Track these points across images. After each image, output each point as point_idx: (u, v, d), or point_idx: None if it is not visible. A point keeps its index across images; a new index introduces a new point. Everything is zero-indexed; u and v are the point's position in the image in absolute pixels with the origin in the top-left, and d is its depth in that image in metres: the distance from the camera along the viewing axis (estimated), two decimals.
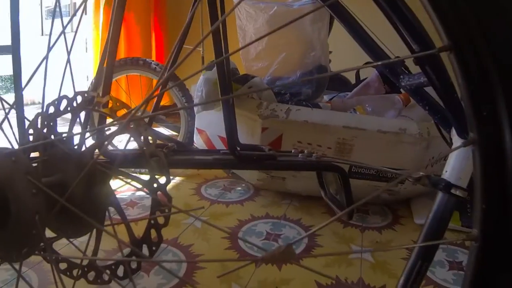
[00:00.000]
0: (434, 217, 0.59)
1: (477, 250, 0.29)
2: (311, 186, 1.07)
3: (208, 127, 1.47)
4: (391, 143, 1.24)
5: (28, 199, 0.32)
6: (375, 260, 1.10)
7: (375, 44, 0.70)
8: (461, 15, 0.29)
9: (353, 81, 1.90)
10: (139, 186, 0.40)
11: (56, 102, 0.44)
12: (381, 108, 1.39)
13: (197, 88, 1.29)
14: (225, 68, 0.66)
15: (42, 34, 3.32)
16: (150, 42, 2.73)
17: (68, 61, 0.48)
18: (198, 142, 1.54)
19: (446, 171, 0.59)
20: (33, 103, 3.15)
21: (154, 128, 2.05)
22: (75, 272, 0.42)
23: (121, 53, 2.51)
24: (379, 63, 0.63)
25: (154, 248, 0.42)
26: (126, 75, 1.80)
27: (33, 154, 0.45)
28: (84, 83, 2.50)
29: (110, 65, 0.50)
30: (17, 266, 0.40)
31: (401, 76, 0.69)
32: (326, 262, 1.08)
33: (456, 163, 0.58)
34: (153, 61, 1.69)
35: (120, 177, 0.39)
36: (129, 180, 0.40)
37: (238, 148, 0.63)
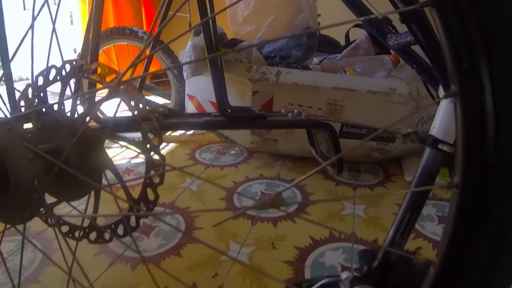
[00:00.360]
0: (422, 171, 0.61)
1: (458, 196, 0.31)
2: (303, 147, 1.09)
3: (198, 92, 1.48)
4: (381, 103, 1.25)
5: (26, 164, 0.33)
6: (367, 216, 1.14)
7: (362, 4, 0.70)
8: None
9: (342, 43, 1.88)
10: (134, 148, 0.41)
11: (45, 72, 0.45)
12: (371, 69, 1.40)
13: (186, 54, 1.28)
14: (212, 31, 0.66)
15: (24, 9, 3.23)
16: (140, 12, 2.67)
17: (54, 30, 0.48)
18: (190, 108, 1.54)
19: (434, 128, 0.61)
20: (21, 79, 3.10)
21: (145, 97, 2.05)
22: (77, 233, 0.44)
23: (111, 23, 2.47)
24: (362, 18, 0.64)
25: (151, 206, 0.44)
26: (114, 45, 1.78)
27: (26, 127, 0.46)
28: (71, 56, 2.46)
29: (96, 33, 0.50)
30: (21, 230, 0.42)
31: (389, 36, 0.69)
32: (320, 219, 1.12)
33: (443, 120, 0.60)
34: (140, 29, 1.67)
35: (114, 140, 0.40)
36: (122, 143, 0.42)
37: (229, 110, 0.64)
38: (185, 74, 1.29)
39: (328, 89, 1.25)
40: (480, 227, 0.31)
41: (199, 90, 1.47)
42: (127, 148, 0.40)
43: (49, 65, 0.46)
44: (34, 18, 0.41)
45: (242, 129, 1.14)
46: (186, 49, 1.30)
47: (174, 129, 0.91)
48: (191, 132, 1.83)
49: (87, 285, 0.40)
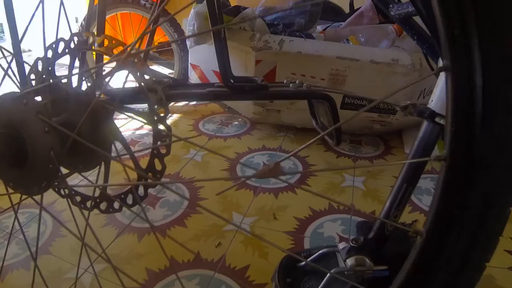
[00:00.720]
0: (419, 143, 0.62)
1: (445, 169, 0.32)
2: (305, 118, 1.10)
3: (202, 62, 1.47)
4: (383, 74, 1.25)
5: (42, 136, 0.34)
6: (366, 188, 1.16)
7: None
8: None
9: (347, 10, 1.86)
10: (141, 119, 0.43)
11: (53, 46, 0.45)
12: (375, 38, 1.39)
13: (189, 22, 1.27)
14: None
15: None
16: None
17: (62, 3, 0.48)
18: (193, 77, 1.54)
19: (432, 101, 0.62)
20: (23, 51, 3.07)
21: (149, 66, 2.04)
22: (88, 204, 0.46)
23: None
24: None
25: (158, 175, 0.46)
26: (117, 14, 1.76)
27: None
28: (73, 25, 2.43)
29: (102, 6, 0.50)
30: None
31: (391, 5, 0.69)
32: (320, 190, 1.15)
33: (441, 93, 0.60)
34: None
35: (123, 111, 0.41)
36: (130, 114, 0.43)
37: (232, 81, 0.65)
38: (188, 43, 1.29)
39: (331, 58, 1.24)
40: (466, 200, 0.32)
41: (202, 59, 1.46)
42: (135, 119, 0.42)
43: (58, 38, 0.46)
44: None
45: (245, 100, 1.14)
46: (189, 17, 1.29)
47: (179, 100, 0.91)
48: (194, 102, 1.84)
49: (99, 252, 0.42)
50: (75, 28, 2.10)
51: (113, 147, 0.47)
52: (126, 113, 0.41)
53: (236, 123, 1.64)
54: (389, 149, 1.43)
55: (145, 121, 0.42)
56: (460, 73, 0.30)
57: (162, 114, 0.43)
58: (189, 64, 1.54)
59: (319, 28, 1.57)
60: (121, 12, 1.74)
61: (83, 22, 1.77)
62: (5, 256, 0.85)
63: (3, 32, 3.22)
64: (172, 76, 1.71)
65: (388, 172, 1.26)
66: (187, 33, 1.27)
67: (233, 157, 1.34)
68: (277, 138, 1.49)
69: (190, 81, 1.56)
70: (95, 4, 0.59)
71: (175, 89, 0.66)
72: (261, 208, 1.06)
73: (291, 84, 0.59)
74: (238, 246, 0.92)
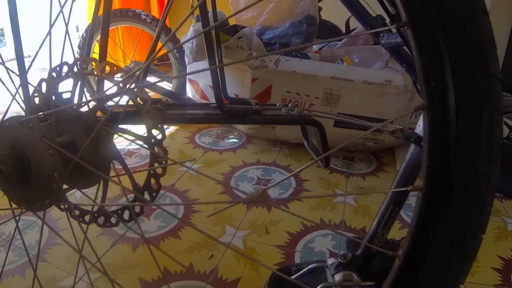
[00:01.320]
0: (406, 166, 0.65)
1: (421, 199, 0.35)
2: (299, 134, 1.14)
3: (199, 77, 1.51)
4: (376, 94, 1.29)
5: (47, 159, 0.37)
6: (357, 204, 1.19)
7: (358, 2, 0.73)
8: None
9: (344, 30, 1.90)
10: (139, 142, 0.46)
11: (58, 68, 0.48)
12: (368, 59, 1.43)
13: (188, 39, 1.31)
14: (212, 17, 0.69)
15: None
16: None
17: (67, 32, 0.51)
18: (191, 92, 1.58)
19: (419, 125, 0.65)
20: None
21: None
22: (87, 217, 0.49)
23: (115, 5, 2.46)
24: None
25: (154, 194, 0.48)
26: (117, 27, 1.80)
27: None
28: (74, 33, 2.47)
29: (104, 33, 0.53)
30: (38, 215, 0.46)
31: (381, 34, 0.73)
32: (312, 206, 1.17)
33: None
34: (143, 11, 1.68)
35: (123, 136, 0.44)
36: (130, 137, 0.46)
37: (227, 102, 0.68)
38: (186, 59, 1.32)
39: (326, 78, 1.28)
40: (439, 228, 0.35)
41: (200, 74, 1.50)
42: (133, 142, 0.44)
43: (63, 61, 0.49)
44: (51, 26, 0.44)
45: (239, 124, 1.18)
46: (188, 34, 1.33)
47: (175, 122, 0.94)
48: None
49: (96, 263, 0.45)
50: (76, 38, 2.14)
51: (112, 164, 0.49)
52: (125, 137, 0.44)
53: (232, 136, 1.66)
54: (381, 166, 1.46)
55: (143, 144, 0.45)
56: (435, 113, 0.33)
57: (159, 137, 0.46)
58: (187, 78, 1.58)
59: (315, 47, 1.62)
60: (121, 25, 1.78)
61: (84, 34, 1.80)
62: (4, 263, 0.87)
63: (3, 35, 3.26)
64: (169, 89, 1.74)
65: (380, 188, 1.29)
66: (186, 50, 1.31)
67: (228, 170, 1.37)
68: (272, 153, 1.52)
69: (187, 95, 1.59)
70: (98, 15, 0.62)
71: (172, 108, 0.69)
72: (254, 221, 1.08)
73: (283, 109, 0.62)
74: (230, 258, 0.94)
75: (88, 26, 1.78)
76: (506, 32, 2.12)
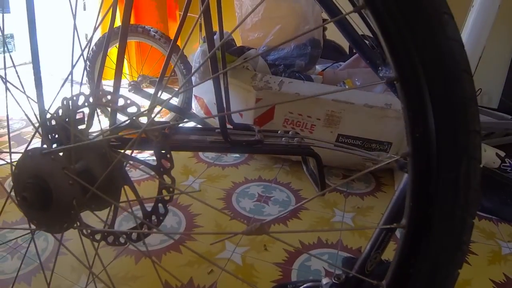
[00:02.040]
0: (399, 195, 0.69)
1: (404, 236, 0.39)
2: None
3: (205, 94, 1.55)
4: (376, 117, 1.33)
5: (67, 188, 0.41)
6: (355, 224, 1.22)
7: (355, 32, 0.77)
8: (407, 53, 0.37)
9: (347, 50, 1.95)
10: (149, 171, 0.50)
11: (74, 98, 0.52)
12: (370, 82, 1.47)
13: (195, 59, 1.36)
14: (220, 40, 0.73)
15: None
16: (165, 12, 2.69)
17: (84, 61, 0.55)
18: (196, 108, 1.62)
19: None
20: (25, 63, 3.12)
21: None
22: (97, 236, 0.52)
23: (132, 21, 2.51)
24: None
25: (161, 218, 0.52)
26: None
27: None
28: (83, 41, 2.53)
29: (119, 69, 0.58)
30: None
31: (379, 68, 0.77)
32: (310, 224, 1.21)
33: None
34: (152, 28, 1.73)
35: (134, 163, 0.48)
36: (141, 166, 0.50)
37: (231, 127, 0.72)
38: (193, 79, 1.36)
39: (327, 101, 1.32)
40: (419, 262, 0.39)
41: (206, 92, 1.54)
42: (143, 171, 0.48)
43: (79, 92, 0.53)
44: (72, 68, 0.48)
45: (241, 153, 1.22)
46: (196, 54, 1.38)
47: (181, 150, 0.99)
48: None
49: (102, 277, 0.48)
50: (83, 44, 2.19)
51: (124, 190, 0.53)
52: (136, 166, 0.47)
53: None
54: (380, 186, 1.49)
55: (153, 173, 0.49)
56: (418, 161, 0.37)
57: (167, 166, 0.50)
58: (193, 95, 1.62)
59: (318, 68, 1.66)
60: (130, 40, 1.83)
61: (94, 47, 1.86)
62: (18, 272, 0.90)
63: (12, 38, 3.33)
64: (176, 105, 1.78)
65: (377, 209, 1.32)
66: (193, 69, 1.36)
67: (230, 186, 1.41)
68: (273, 170, 1.55)
69: (193, 111, 1.64)
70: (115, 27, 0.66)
71: (178, 133, 0.73)
72: (253, 238, 1.12)
73: (283, 138, 0.66)
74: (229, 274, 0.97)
75: (99, 39, 1.83)
76: (507, 59, 2.14)
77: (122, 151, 0.50)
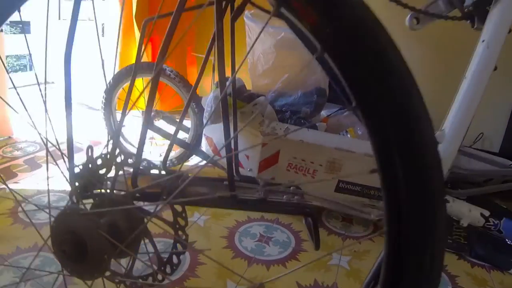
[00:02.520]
0: (380, 261, 0.75)
1: None
2: None
3: (215, 134, 1.64)
4: (375, 166, 1.40)
5: (100, 245, 0.49)
6: (351, 268, 1.28)
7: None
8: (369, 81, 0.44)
9: None
10: (166, 227, 0.57)
11: (101, 156, 0.61)
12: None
13: (207, 103, 1.45)
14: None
15: (59, 18, 3.44)
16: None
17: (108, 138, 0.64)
18: (205, 146, 1.71)
19: None
20: (47, 82, 3.26)
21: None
22: (116, 279, 0.60)
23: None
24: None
25: (174, 268, 0.60)
26: (142, 78, 1.96)
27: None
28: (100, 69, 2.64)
29: (142, 141, 0.66)
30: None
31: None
32: (307, 267, 1.27)
33: None
34: (168, 67, 1.84)
35: (154, 220, 0.56)
36: (158, 223, 0.58)
37: (238, 179, 0.80)
38: (204, 121, 1.46)
39: (330, 149, 1.40)
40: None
41: (215, 132, 1.63)
42: (160, 227, 0.56)
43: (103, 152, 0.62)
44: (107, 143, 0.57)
45: (246, 210, 1.32)
46: (208, 98, 1.47)
47: (191, 204, 1.07)
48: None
49: None
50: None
51: (143, 241, 0.61)
52: (156, 223, 0.56)
53: None
54: (378, 229, 1.55)
55: (169, 230, 0.57)
56: (391, 238, 0.44)
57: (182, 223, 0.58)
58: (203, 134, 1.71)
59: (323, 113, 1.75)
60: (146, 77, 1.94)
61: (111, 81, 1.96)
62: None
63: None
64: (185, 141, 1.87)
65: (373, 253, 1.38)
66: (205, 112, 1.45)
67: (233, 224, 1.48)
68: None
69: (202, 148, 1.72)
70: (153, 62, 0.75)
71: (189, 183, 0.81)
72: (253, 278, 1.18)
73: (284, 196, 0.74)
74: None
75: (116, 73, 1.94)
76: (509, 103, 2.14)
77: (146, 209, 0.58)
